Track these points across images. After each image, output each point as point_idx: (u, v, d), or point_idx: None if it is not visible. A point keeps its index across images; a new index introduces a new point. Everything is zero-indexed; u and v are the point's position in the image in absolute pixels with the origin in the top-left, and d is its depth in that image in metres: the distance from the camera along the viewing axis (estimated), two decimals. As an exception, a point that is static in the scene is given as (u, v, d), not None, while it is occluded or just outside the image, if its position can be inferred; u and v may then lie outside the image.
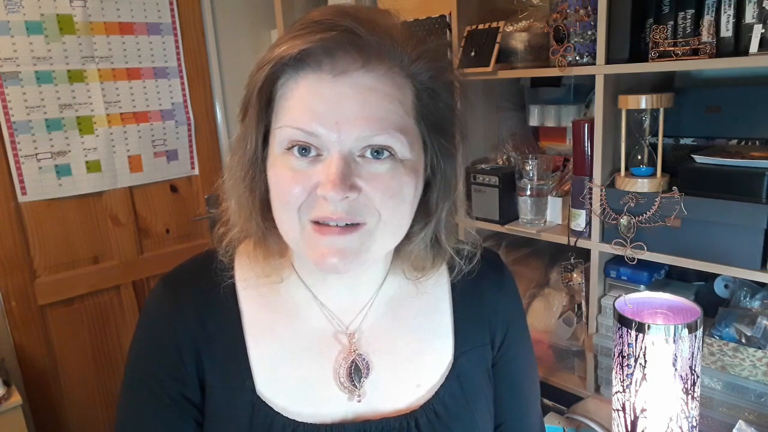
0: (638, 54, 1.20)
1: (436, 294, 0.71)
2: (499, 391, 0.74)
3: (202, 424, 0.66)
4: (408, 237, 0.63)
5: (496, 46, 1.36)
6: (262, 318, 0.66)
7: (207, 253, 0.69)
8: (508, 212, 1.49)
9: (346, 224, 0.55)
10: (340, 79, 0.53)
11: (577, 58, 1.26)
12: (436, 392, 0.67)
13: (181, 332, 0.65)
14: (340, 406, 0.65)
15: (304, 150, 0.55)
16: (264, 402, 0.63)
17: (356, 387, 0.65)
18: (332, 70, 0.53)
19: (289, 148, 0.55)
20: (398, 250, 0.66)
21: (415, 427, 0.64)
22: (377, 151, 0.55)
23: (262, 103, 0.57)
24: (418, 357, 0.68)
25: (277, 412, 0.63)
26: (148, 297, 0.69)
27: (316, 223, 0.56)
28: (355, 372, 0.65)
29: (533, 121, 1.61)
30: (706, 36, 1.09)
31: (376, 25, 0.54)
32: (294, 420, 0.63)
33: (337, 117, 0.53)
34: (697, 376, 0.99)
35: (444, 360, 0.69)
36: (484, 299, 0.73)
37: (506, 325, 0.74)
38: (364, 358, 0.66)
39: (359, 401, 0.65)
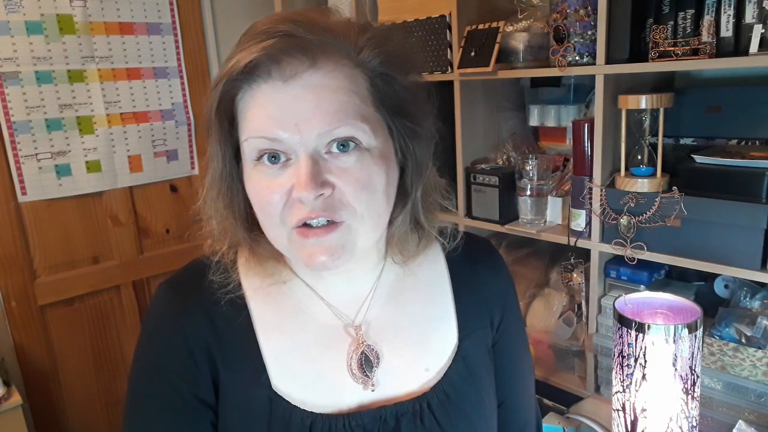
0: (638, 54, 1.20)
1: (435, 280, 0.73)
2: (498, 370, 0.75)
3: (217, 426, 0.66)
4: (390, 222, 0.65)
5: (496, 46, 1.36)
6: (270, 315, 0.67)
7: (207, 257, 0.69)
8: (508, 212, 1.49)
9: (328, 222, 0.57)
10: (291, 82, 0.55)
11: (577, 58, 1.26)
12: (444, 374, 0.68)
13: (190, 333, 0.65)
14: (355, 396, 0.66)
15: (274, 158, 0.57)
16: (281, 396, 0.64)
17: (368, 377, 0.66)
18: (282, 76, 0.55)
19: (259, 159, 0.57)
20: (387, 237, 0.67)
21: (428, 409, 0.66)
22: (343, 144, 0.56)
23: (225, 122, 0.59)
24: (424, 342, 0.69)
25: (294, 406, 0.64)
26: (151, 302, 0.69)
27: (299, 227, 0.57)
28: (366, 363, 0.66)
29: (533, 121, 1.61)
30: (706, 36, 1.09)
31: (315, 25, 0.56)
32: (312, 412, 0.64)
33: (295, 118, 0.55)
34: (697, 376, 0.99)
35: (450, 343, 0.70)
36: (481, 283, 0.75)
37: (503, 307, 0.76)
38: (373, 349, 0.67)
39: (373, 390, 0.66)
